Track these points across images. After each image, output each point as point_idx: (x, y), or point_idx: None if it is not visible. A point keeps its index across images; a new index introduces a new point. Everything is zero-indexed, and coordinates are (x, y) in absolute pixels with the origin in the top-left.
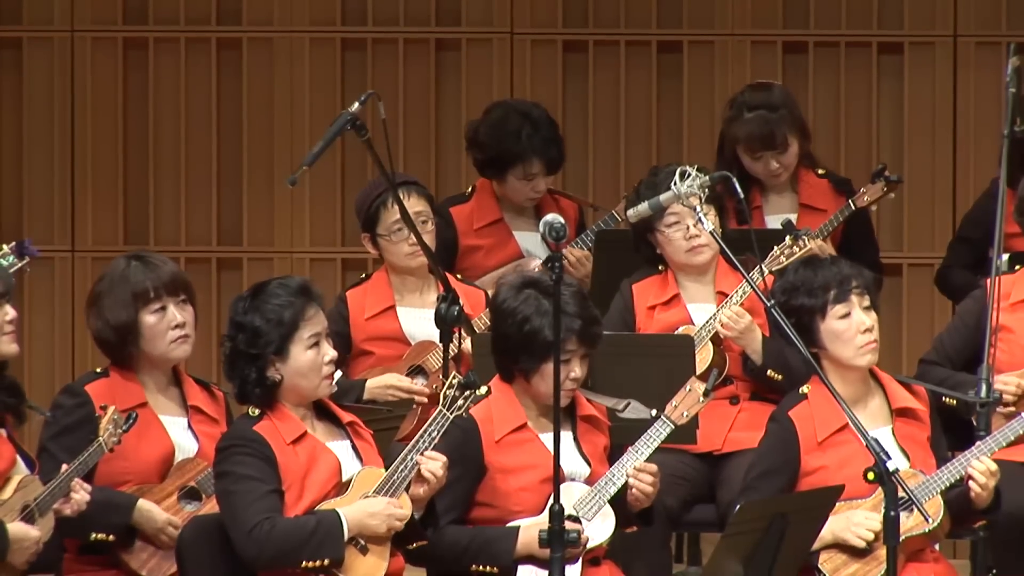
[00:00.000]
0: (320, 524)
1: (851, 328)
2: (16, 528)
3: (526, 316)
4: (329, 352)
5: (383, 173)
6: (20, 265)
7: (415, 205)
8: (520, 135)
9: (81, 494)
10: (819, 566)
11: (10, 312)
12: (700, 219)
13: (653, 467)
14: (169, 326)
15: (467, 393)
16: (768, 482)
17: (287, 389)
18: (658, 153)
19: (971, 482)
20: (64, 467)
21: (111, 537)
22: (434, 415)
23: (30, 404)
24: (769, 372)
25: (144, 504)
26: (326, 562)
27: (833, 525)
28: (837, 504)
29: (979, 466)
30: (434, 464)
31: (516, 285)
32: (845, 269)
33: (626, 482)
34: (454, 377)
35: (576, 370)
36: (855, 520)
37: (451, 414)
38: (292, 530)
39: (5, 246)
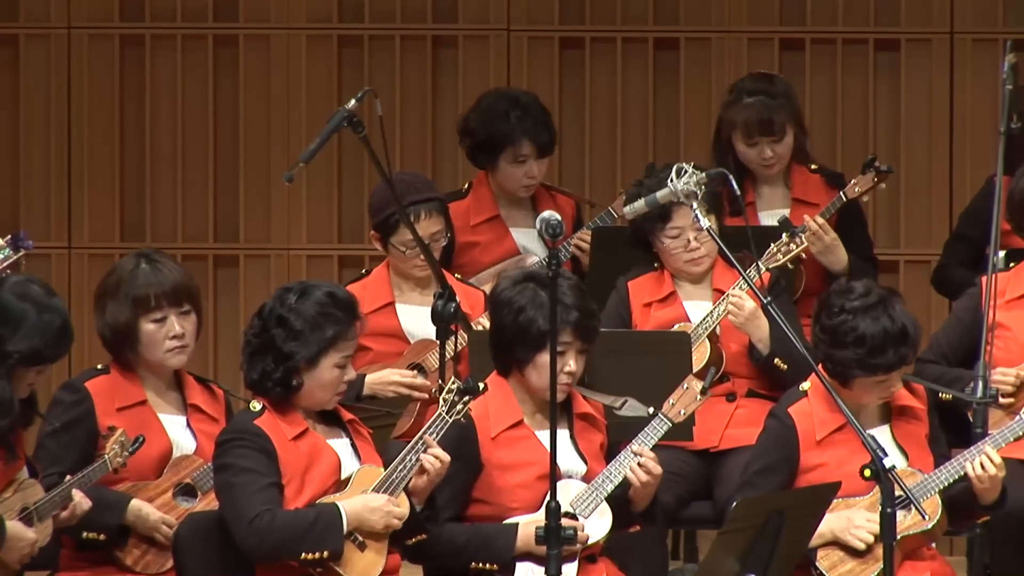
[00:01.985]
0: (320, 516)
1: (883, 388)
2: (14, 527)
3: (521, 306)
4: (350, 373)
5: (380, 171)
6: (15, 258)
7: (433, 225)
8: (509, 117)
9: (79, 504)
10: (816, 563)
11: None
12: (696, 216)
13: (651, 457)
14: (167, 335)
15: (466, 398)
16: (766, 478)
17: (302, 394)
18: (655, 150)
19: (975, 479)
20: (68, 477)
21: (102, 536)
22: (433, 418)
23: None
24: (776, 361)
25: (136, 503)
26: (325, 554)
27: (833, 524)
28: (835, 501)
29: (982, 462)
30: (435, 458)
31: (516, 278)
32: (909, 342)
33: (623, 480)
34: (454, 382)
35: (571, 364)
36: (856, 522)
37: (450, 418)
38: (292, 522)
39: (0, 239)
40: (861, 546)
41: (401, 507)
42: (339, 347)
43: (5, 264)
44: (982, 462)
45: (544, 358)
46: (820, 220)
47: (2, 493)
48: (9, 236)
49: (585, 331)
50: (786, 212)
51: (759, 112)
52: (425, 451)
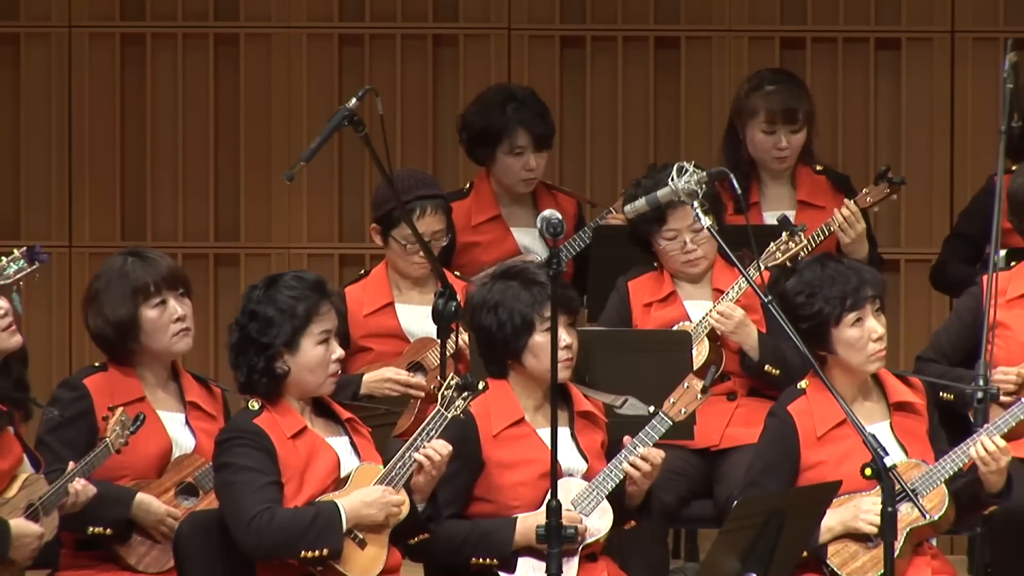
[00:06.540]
0: (319, 515)
1: (863, 336)
2: (18, 524)
3: (497, 301)
4: (337, 350)
5: (380, 169)
6: (30, 270)
7: (435, 223)
8: (505, 108)
9: (83, 491)
10: (828, 561)
11: (0, 305)
12: (697, 215)
13: (656, 455)
14: (171, 319)
15: (465, 394)
16: (770, 478)
17: (292, 383)
18: (655, 149)
19: (980, 462)
20: (71, 465)
21: (108, 531)
22: (432, 414)
23: (32, 399)
24: (767, 368)
25: (142, 496)
26: (325, 552)
27: (842, 516)
28: (840, 497)
29: (987, 446)
30: (432, 450)
31: (481, 282)
32: (863, 274)
33: (624, 478)
34: (452, 378)
35: (566, 337)
36: (863, 508)
37: (449, 414)
38: (291, 520)
39: (16, 250)
40: (873, 530)
41: (399, 496)
42: (316, 322)
43: (19, 276)
44: (984, 444)
45: (537, 339)
46: (853, 207)
47: (7, 492)
48: (24, 248)
49: (564, 300)
50: (791, 213)
51: (784, 100)
52: (421, 449)
